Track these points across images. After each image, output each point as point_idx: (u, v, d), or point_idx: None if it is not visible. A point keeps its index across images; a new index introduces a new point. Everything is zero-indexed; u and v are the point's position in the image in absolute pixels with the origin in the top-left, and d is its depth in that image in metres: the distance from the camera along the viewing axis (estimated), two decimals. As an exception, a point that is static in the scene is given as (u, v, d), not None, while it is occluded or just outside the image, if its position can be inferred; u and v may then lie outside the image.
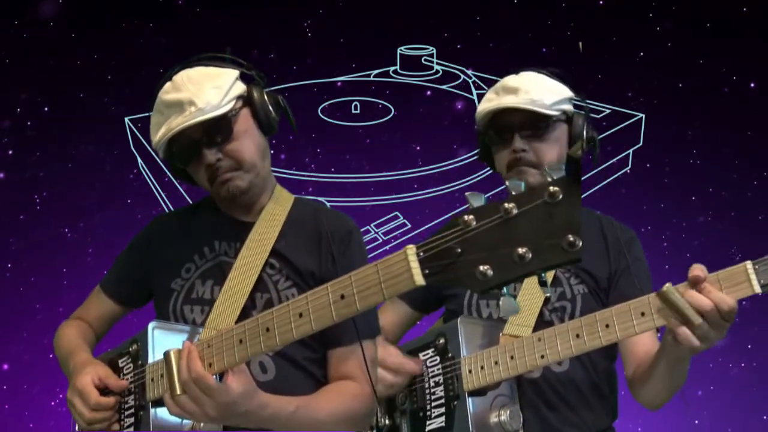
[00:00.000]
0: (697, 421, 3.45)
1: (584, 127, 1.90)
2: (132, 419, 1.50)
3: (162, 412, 1.46)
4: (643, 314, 1.54)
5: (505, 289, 0.99)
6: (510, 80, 1.89)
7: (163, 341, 1.51)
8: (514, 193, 0.96)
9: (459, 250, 0.97)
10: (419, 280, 1.01)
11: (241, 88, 1.65)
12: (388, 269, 1.05)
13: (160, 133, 1.60)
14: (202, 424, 1.44)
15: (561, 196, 0.92)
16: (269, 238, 1.65)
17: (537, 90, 1.86)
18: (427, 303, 2.02)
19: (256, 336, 1.24)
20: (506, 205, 0.95)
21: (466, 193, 1.00)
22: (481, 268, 0.95)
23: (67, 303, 3.49)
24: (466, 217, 0.97)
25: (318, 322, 1.16)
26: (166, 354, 1.31)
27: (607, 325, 1.58)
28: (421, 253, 1.01)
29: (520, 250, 0.93)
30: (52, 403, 3.51)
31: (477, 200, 0.99)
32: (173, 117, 1.58)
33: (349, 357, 1.59)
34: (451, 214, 3.47)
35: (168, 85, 1.63)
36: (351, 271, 1.14)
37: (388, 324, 1.96)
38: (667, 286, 1.41)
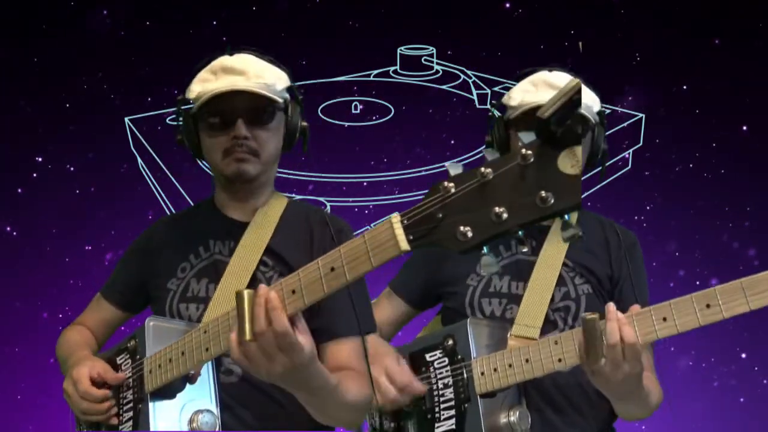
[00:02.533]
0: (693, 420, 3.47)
1: (604, 139, 1.93)
2: (131, 413, 1.51)
3: (160, 405, 1.46)
4: (665, 319, 1.50)
5: (485, 248, 1.03)
6: (555, 78, 1.87)
7: (160, 337, 1.52)
8: (490, 159, 1.02)
9: (440, 215, 1.03)
10: (404, 245, 1.05)
11: (286, 94, 1.74)
12: (374, 238, 1.09)
13: (214, 85, 1.64)
14: (200, 417, 1.45)
15: (533, 158, 0.97)
16: (263, 238, 1.68)
17: (587, 101, 1.85)
18: (425, 300, 2.02)
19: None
20: (483, 169, 1.01)
21: (446, 163, 1.06)
22: (462, 228, 1.01)
23: (69, 304, 3.50)
24: (446, 183, 1.03)
25: (309, 297, 1.18)
26: (240, 294, 1.20)
27: None
28: (405, 221, 1.06)
29: (497, 209, 0.99)
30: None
31: (456, 169, 1.04)
32: (234, 78, 1.64)
33: (346, 349, 1.60)
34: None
35: (226, 57, 1.70)
36: None
37: (383, 319, 1.96)
38: (591, 315, 1.46)
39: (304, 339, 1.22)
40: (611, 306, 1.51)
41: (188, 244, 1.73)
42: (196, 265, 1.70)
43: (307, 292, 1.18)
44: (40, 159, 3.81)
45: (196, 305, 1.65)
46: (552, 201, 0.96)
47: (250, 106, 1.64)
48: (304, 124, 1.80)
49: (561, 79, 1.86)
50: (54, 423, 3.39)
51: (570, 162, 0.96)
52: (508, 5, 3.99)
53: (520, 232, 1.00)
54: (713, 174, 3.82)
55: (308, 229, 1.71)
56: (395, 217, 1.07)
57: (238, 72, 1.65)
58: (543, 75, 1.89)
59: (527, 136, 0.98)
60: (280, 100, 1.70)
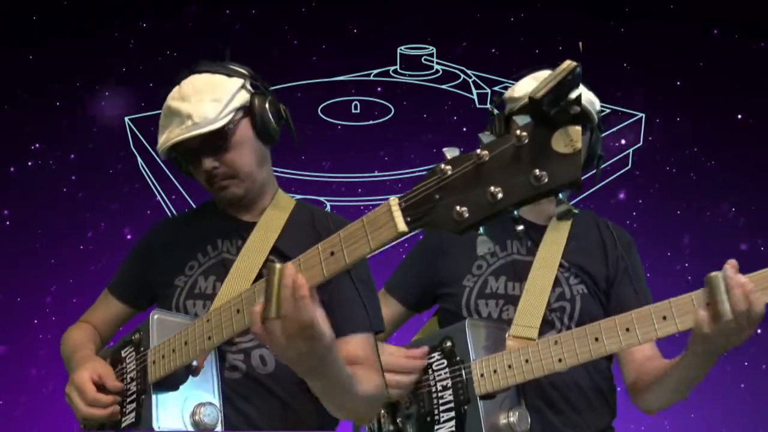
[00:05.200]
0: (693, 415, 3.47)
1: (601, 142, 1.94)
2: (134, 405, 1.51)
3: (163, 397, 1.46)
4: (665, 318, 1.52)
5: (481, 229, 1.05)
6: None
7: (165, 330, 1.53)
8: (485, 141, 1.03)
9: (437, 197, 1.05)
10: (402, 227, 1.07)
11: (243, 98, 1.66)
12: (373, 222, 1.11)
13: (162, 138, 1.65)
14: (202, 410, 1.46)
15: (527, 139, 0.99)
16: (270, 239, 1.69)
17: (590, 97, 1.86)
18: (421, 301, 2.01)
19: (252, 304, 1.25)
20: (478, 152, 1.02)
21: (444, 149, 1.07)
22: (458, 209, 1.03)
23: (67, 303, 3.50)
24: (442, 166, 1.05)
25: (310, 281, 1.19)
26: (272, 268, 1.17)
27: (627, 329, 1.56)
28: (403, 203, 1.08)
29: (493, 189, 1.00)
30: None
31: (453, 152, 1.06)
32: (173, 126, 1.62)
33: (359, 344, 1.60)
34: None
35: (175, 90, 1.66)
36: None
37: None
38: (717, 273, 1.44)
39: (325, 328, 1.21)
40: (730, 270, 1.45)
41: (196, 243, 1.74)
42: (204, 263, 1.71)
43: (307, 277, 1.19)
44: (36, 147, 3.81)
45: (203, 302, 1.66)
46: (546, 179, 0.97)
47: (202, 143, 1.61)
48: (281, 107, 1.72)
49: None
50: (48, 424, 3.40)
51: (563, 141, 0.96)
52: (507, 5, 4.00)
53: (515, 212, 1.02)
54: (714, 173, 3.82)
55: (315, 231, 1.70)
56: (393, 200, 1.08)
57: (178, 113, 1.60)
58: (548, 72, 1.88)
59: (522, 119, 1.00)
60: (227, 120, 1.61)
